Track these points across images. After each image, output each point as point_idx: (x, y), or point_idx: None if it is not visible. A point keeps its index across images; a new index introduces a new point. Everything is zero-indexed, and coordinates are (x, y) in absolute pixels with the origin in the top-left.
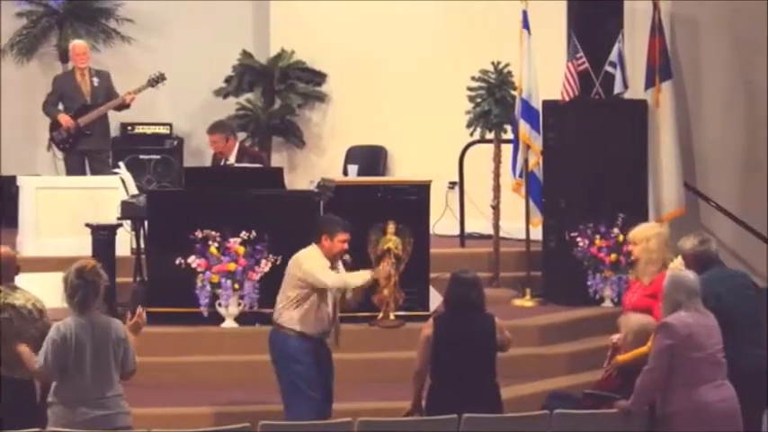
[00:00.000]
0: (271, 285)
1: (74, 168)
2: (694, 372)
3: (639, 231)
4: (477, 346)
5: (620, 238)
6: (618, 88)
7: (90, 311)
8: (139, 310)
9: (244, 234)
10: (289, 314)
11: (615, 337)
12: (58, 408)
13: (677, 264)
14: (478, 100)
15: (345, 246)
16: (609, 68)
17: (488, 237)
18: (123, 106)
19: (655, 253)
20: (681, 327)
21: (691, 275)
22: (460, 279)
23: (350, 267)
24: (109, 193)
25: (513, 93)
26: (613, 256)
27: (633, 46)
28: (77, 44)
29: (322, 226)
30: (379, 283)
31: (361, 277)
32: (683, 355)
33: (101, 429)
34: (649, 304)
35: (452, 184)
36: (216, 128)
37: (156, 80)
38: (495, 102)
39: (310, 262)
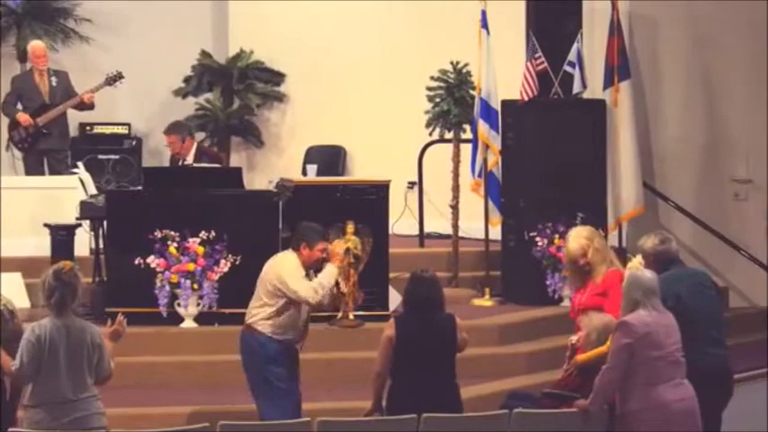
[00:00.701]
0: (230, 285)
1: (33, 168)
2: (653, 371)
3: (578, 238)
4: (438, 347)
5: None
6: (577, 88)
7: (67, 313)
8: (120, 317)
9: (203, 234)
10: (264, 320)
11: (574, 338)
12: (33, 410)
13: (636, 263)
14: (437, 100)
15: (323, 254)
16: (568, 68)
17: (447, 236)
18: (84, 106)
19: (603, 250)
20: (639, 325)
21: (648, 274)
22: (420, 279)
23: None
24: (68, 193)
25: (472, 92)
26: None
27: (592, 46)
28: (37, 46)
29: (303, 235)
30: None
31: (331, 274)
32: (641, 353)
33: (76, 431)
34: (599, 303)
35: (411, 184)
36: (172, 128)
37: (114, 79)
38: (454, 101)
39: (288, 273)
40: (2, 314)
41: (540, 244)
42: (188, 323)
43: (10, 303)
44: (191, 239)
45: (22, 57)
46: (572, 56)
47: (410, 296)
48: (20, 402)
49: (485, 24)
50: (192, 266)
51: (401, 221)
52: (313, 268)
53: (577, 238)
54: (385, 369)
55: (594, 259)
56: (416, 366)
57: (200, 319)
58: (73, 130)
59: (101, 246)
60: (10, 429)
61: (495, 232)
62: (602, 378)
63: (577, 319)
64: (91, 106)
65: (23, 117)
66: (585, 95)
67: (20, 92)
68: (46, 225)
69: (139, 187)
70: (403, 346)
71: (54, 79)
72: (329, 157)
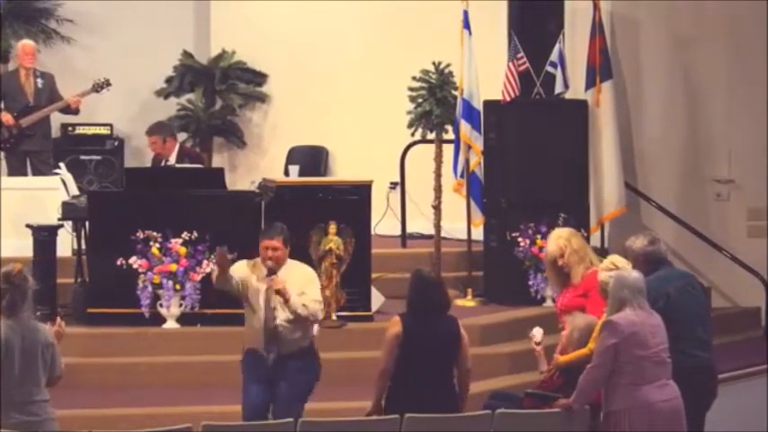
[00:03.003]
0: (212, 286)
1: (15, 169)
2: (638, 370)
3: (556, 239)
4: (442, 347)
5: None
6: (558, 88)
7: (18, 315)
8: (58, 319)
9: (185, 235)
10: None
11: (538, 333)
12: None
13: (607, 264)
14: (419, 100)
15: (268, 253)
16: (549, 68)
17: (430, 237)
18: (69, 110)
19: (580, 251)
20: (625, 325)
21: (635, 274)
22: (425, 278)
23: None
24: (49, 193)
25: (454, 93)
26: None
27: (574, 46)
28: (26, 44)
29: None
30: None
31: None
32: (627, 353)
33: None
34: (581, 304)
35: (394, 185)
36: (154, 129)
37: (101, 86)
38: (436, 102)
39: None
40: None
41: (522, 244)
42: (170, 324)
43: None
44: (173, 240)
45: (4, 57)
46: (554, 56)
47: (416, 296)
48: None
49: (467, 25)
50: (174, 267)
51: (383, 222)
52: (271, 268)
53: (556, 239)
54: (390, 366)
55: (572, 260)
56: (420, 367)
57: (183, 319)
58: (55, 131)
59: (83, 246)
60: None
61: (478, 233)
62: (587, 376)
63: (561, 319)
64: (76, 111)
65: (6, 117)
66: (567, 96)
67: (4, 91)
68: (28, 226)
69: (122, 188)
70: (409, 345)
71: (40, 81)
72: (311, 158)
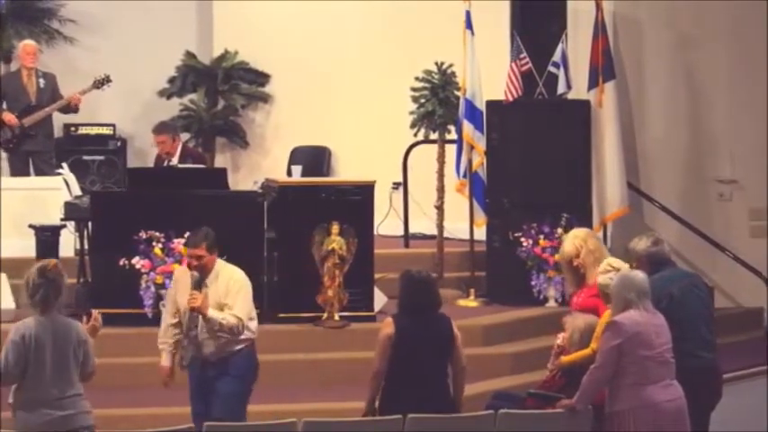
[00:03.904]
0: None
1: (18, 169)
2: (643, 371)
3: (572, 239)
4: (434, 347)
5: (564, 237)
6: (561, 89)
7: (51, 311)
8: (95, 313)
9: (188, 235)
10: None
11: (560, 339)
12: (19, 411)
13: (605, 266)
14: (422, 100)
15: (193, 262)
16: (552, 69)
17: (432, 237)
18: (70, 109)
19: (596, 251)
20: (630, 325)
21: (640, 275)
22: (415, 278)
23: (198, 285)
24: (52, 194)
25: (456, 93)
26: (557, 256)
27: (576, 46)
28: (28, 44)
29: None
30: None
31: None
32: (631, 353)
33: (61, 431)
34: (595, 304)
35: (396, 185)
36: (163, 128)
37: (102, 82)
38: (438, 102)
39: None
40: None
41: (524, 244)
42: None
43: None
44: (175, 240)
45: (6, 58)
46: (556, 56)
47: (407, 297)
48: None
49: (469, 25)
50: (177, 267)
51: (386, 222)
52: (198, 281)
53: (572, 239)
54: (383, 367)
55: (587, 260)
56: (412, 366)
57: None
58: (57, 131)
59: (85, 247)
60: None
61: (480, 233)
62: (590, 377)
63: (562, 319)
64: (75, 109)
65: (9, 117)
66: (570, 96)
67: (6, 91)
68: (31, 226)
69: (124, 188)
70: (401, 345)
71: (42, 81)
72: (314, 158)
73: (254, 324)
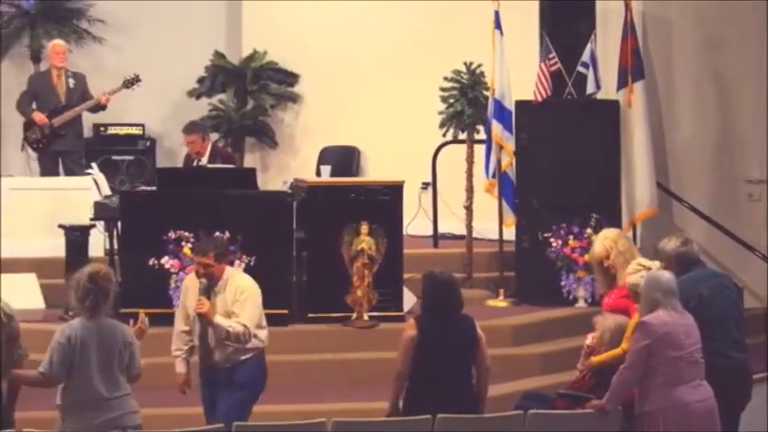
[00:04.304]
0: None
1: (48, 169)
2: (673, 371)
3: (603, 240)
4: (459, 347)
5: (593, 238)
6: (590, 89)
7: (99, 316)
8: (141, 315)
9: (217, 235)
10: None
11: (589, 339)
12: (67, 413)
13: (635, 266)
14: (451, 100)
15: (200, 270)
16: (581, 69)
17: (461, 237)
18: (98, 108)
19: (627, 252)
20: (658, 325)
21: (666, 275)
22: (438, 279)
23: (206, 292)
24: (81, 194)
25: (485, 93)
26: (587, 256)
27: (605, 46)
28: (57, 44)
29: None
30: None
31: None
32: (661, 353)
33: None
34: (626, 304)
35: (425, 185)
36: (193, 128)
37: (132, 82)
38: (467, 102)
39: None
40: None
41: (554, 244)
42: None
43: (7, 306)
44: None
45: (36, 58)
46: (585, 56)
47: (429, 298)
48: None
49: (498, 25)
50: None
51: (415, 222)
52: (205, 288)
53: (602, 239)
54: (406, 368)
55: (617, 262)
56: (435, 367)
57: None
58: (87, 131)
59: (115, 246)
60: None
61: (509, 233)
62: (620, 377)
63: (593, 319)
64: (103, 108)
65: (39, 117)
66: (599, 96)
67: (36, 91)
68: (60, 226)
69: (153, 188)
70: (424, 346)
71: (71, 81)
72: (343, 158)
73: (263, 333)
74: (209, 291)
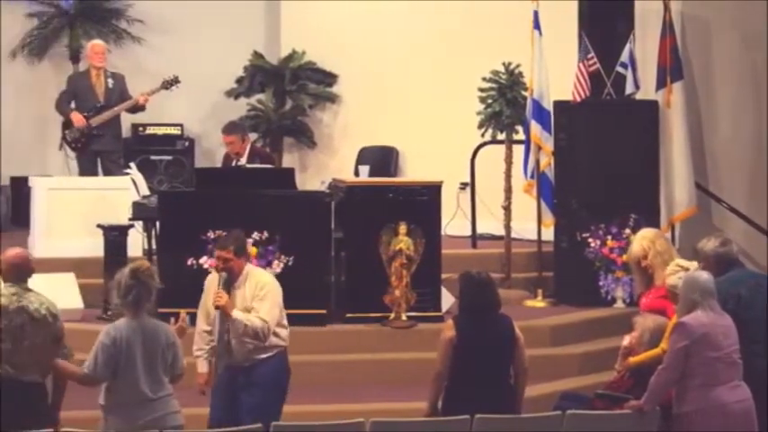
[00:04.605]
0: (283, 286)
1: (86, 169)
2: (711, 372)
3: (640, 239)
4: (497, 348)
5: (632, 238)
6: (629, 89)
7: (141, 313)
8: (183, 314)
9: (255, 235)
10: None
11: (627, 340)
12: (110, 413)
13: (673, 267)
14: (490, 101)
15: (219, 263)
16: (620, 69)
17: (500, 237)
18: (137, 108)
19: (665, 253)
20: (696, 326)
21: (704, 275)
22: (476, 279)
23: (226, 286)
24: (120, 193)
25: (524, 93)
26: (625, 256)
27: (644, 46)
28: (96, 44)
29: None
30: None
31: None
32: (699, 354)
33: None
34: (663, 305)
35: (464, 185)
36: (232, 128)
37: (171, 83)
38: (506, 102)
39: None
40: (44, 317)
41: (592, 245)
42: None
43: (53, 306)
44: None
45: (75, 58)
46: (624, 57)
47: (467, 298)
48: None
49: (537, 25)
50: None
51: (453, 222)
52: (225, 281)
53: (640, 239)
54: (446, 369)
55: (655, 262)
56: (475, 368)
57: None
58: (125, 131)
59: (153, 246)
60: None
61: (548, 233)
62: (658, 378)
63: (633, 319)
64: (142, 109)
65: (77, 117)
66: (638, 96)
67: (75, 91)
68: (99, 226)
69: (192, 188)
70: (463, 346)
71: (110, 81)
72: (381, 158)
73: (284, 332)
74: (228, 285)
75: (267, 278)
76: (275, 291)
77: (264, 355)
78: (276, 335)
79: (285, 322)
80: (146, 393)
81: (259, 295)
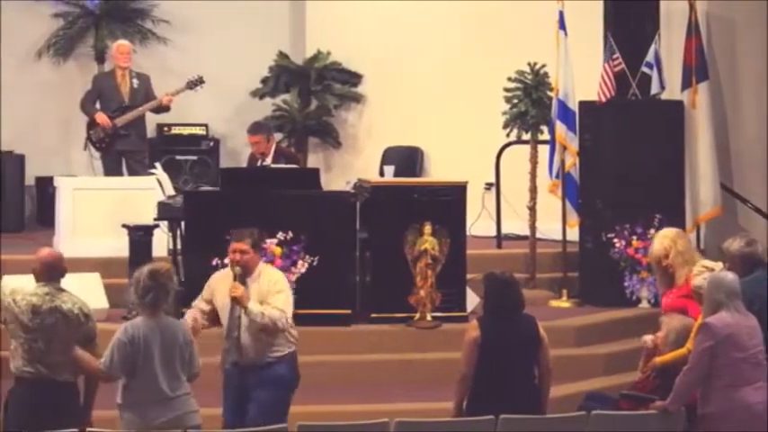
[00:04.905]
0: (307, 286)
1: (111, 169)
2: (736, 372)
3: (661, 239)
4: (522, 348)
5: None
6: (654, 89)
7: (159, 313)
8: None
9: (280, 235)
10: None
11: (649, 339)
12: (128, 411)
13: (699, 268)
14: (515, 101)
15: (236, 256)
16: (645, 69)
17: (525, 238)
18: (162, 108)
19: (686, 253)
20: (721, 327)
21: (729, 275)
22: (499, 280)
23: (241, 278)
24: (145, 193)
25: (549, 93)
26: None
27: (669, 46)
28: (122, 44)
29: None
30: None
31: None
32: (724, 355)
33: (172, 430)
34: (684, 304)
35: (489, 185)
36: (258, 128)
37: (195, 83)
38: (531, 102)
39: None
40: (77, 317)
41: (617, 245)
42: None
43: (85, 306)
44: (268, 240)
45: (100, 58)
46: (650, 57)
47: (491, 299)
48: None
49: (562, 25)
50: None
51: (478, 223)
52: (240, 274)
53: (661, 239)
54: (471, 370)
55: (676, 261)
56: (499, 368)
57: None
58: (150, 131)
59: (178, 246)
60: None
61: (573, 233)
62: (683, 379)
63: (660, 319)
64: (167, 109)
65: (101, 117)
66: (663, 96)
67: (100, 91)
68: (124, 226)
69: (217, 188)
70: (487, 347)
71: (135, 81)
72: (406, 158)
73: (294, 332)
74: (243, 278)
75: (280, 276)
76: (289, 289)
77: (279, 354)
78: (290, 334)
79: (292, 323)
80: (164, 391)
81: (274, 289)
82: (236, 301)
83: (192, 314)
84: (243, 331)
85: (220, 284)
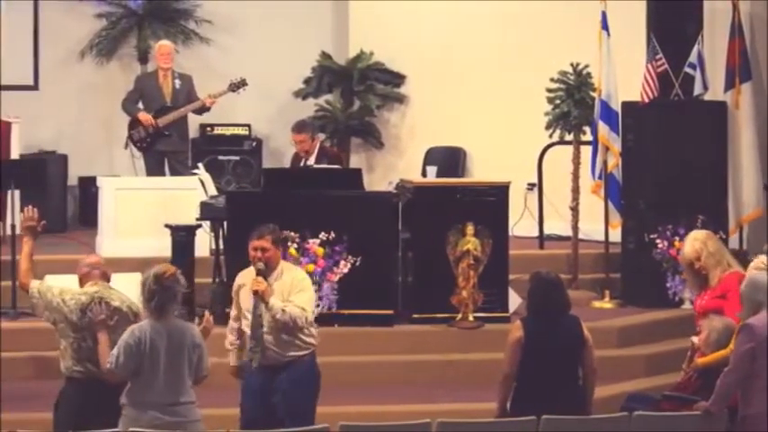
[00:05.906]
0: (349, 286)
1: (153, 168)
2: None
3: (692, 241)
4: (564, 348)
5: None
6: (697, 90)
7: (166, 316)
8: (207, 315)
9: (323, 235)
10: None
11: (695, 339)
12: (129, 410)
13: (758, 263)
14: (557, 101)
15: (257, 254)
16: (688, 70)
17: (567, 238)
18: (203, 110)
19: (717, 254)
20: (762, 328)
21: None
22: (544, 280)
23: (263, 275)
24: (188, 194)
25: (592, 94)
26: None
27: (713, 47)
28: (164, 44)
29: None
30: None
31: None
32: (764, 356)
33: None
34: (719, 305)
35: (531, 186)
36: (302, 127)
37: (238, 86)
38: (574, 103)
39: None
40: (126, 315)
41: (660, 246)
42: None
43: (134, 305)
44: (310, 240)
45: (143, 58)
46: (693, 57)
47: (536, 299)
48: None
49: (605, 26)
50: (311, 267)
51: (521, 223)
52: (262, 271)
53: (692, 241)
54: (514, 371)
55: (708, 263)
56: (542, 368)
57: (320, 320)
58: (193, 132)
59: (221, 246)
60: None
61: (615, 234)
62: (724, 379)
63: (698, 322)
64: (208, 110)
65: (144, 116)
66: (706, 97)
67: (142, 91)
68: (167, 226)
69: (260, 188)
70: (531, 347)
71: (178, 82)
72: (449, 159)
73: (315, 332)
74: (265, 274)
75: (303, 274)
76: (311, 288)
77: (300, 353)
78: (311, 333)
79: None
80: (167, 397)
81: (295, 289)
82: (259, 296)
83: (230, 340)
84: (265, 329)
85: (246, 281)
